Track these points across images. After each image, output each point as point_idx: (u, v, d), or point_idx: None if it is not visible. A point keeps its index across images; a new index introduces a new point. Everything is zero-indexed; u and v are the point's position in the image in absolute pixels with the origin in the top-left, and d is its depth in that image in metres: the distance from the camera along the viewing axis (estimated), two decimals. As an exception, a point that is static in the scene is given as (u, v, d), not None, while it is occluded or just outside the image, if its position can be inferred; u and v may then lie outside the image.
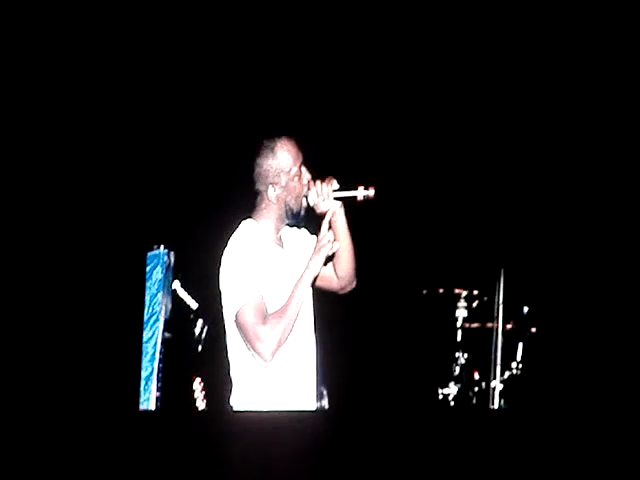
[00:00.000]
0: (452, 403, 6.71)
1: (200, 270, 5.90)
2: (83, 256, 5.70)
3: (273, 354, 3.77)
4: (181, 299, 6.04)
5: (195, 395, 5.98)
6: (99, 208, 5.77)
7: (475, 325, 6.93)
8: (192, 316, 6.09)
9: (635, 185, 6.32)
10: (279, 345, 3.77)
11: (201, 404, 5.95)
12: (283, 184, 3.86)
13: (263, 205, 3.90)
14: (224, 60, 6.24)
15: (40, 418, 3.22)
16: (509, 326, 6.76)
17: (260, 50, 6.24)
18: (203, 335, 6.07)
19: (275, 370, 3.83)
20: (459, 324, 6.98)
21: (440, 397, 6.73)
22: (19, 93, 5.69)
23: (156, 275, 5.75)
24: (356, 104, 6.49)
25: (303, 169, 3.88)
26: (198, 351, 6.07)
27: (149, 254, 5.74)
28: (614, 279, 6.45)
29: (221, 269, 3.84)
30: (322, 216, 3.91)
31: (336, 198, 3.86)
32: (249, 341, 3.78)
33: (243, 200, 3.99)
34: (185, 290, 6.06)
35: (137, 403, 5.46)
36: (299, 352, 3.89)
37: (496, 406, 6.51)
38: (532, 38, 6.32)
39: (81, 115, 5.85)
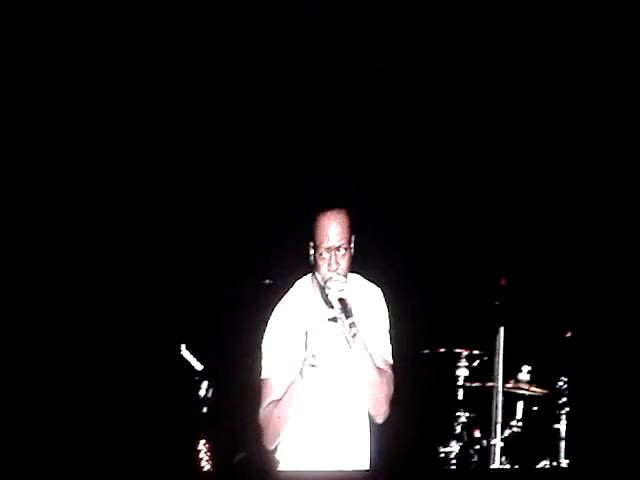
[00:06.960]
0: (454, 461, 6.76)
1: (205, 334, 6.01)
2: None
3: (272, 443, 4.06)
4: (187, 361, 6.13)
5: (200, 456, 6.03)
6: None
7: (476, 384, 7.01)
8: (197, 378, 6.18)
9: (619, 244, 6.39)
10: (276, 436, 4.04)
11: (206, 465, 6.00)
12: (312, 250, 4.07)
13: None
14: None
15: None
16: (509, 385, 6.83)
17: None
18: (209, 396, 6.15)
19: (312, 428, 4.10)
20: (460, 383, 7.04)
21: (442, 456, 6.78)
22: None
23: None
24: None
25: (330, 255, 4.03)
26: (203, 412, 6.14)
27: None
28: (609, 337, 6.52)
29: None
30: None
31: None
32: None
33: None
34: (190, 352, 6.16)
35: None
36: (340, 411, 4.15)
37: (497, 464, 6.57)
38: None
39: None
